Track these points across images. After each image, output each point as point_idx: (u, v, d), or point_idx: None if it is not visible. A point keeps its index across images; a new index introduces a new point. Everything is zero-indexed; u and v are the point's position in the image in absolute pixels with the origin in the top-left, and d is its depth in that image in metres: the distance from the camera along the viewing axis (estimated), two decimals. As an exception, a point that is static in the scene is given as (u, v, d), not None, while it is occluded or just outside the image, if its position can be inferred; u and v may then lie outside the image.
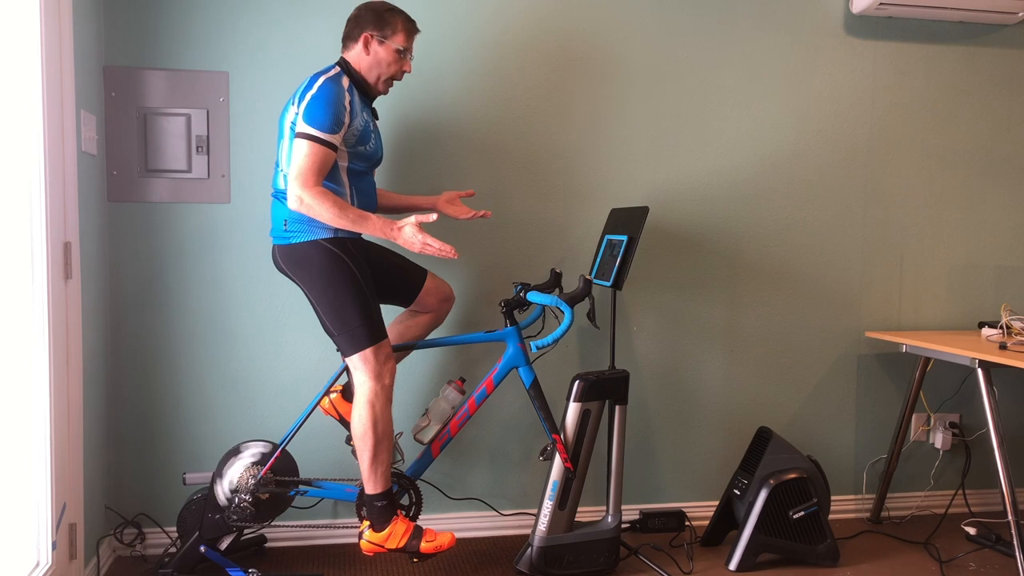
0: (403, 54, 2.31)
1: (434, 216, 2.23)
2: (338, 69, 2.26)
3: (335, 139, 2.16)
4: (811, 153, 3.02)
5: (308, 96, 2.16)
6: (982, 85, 3.13)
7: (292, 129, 2.18)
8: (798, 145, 3.01)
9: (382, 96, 2.40)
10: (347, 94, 2.20)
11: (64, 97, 2.13)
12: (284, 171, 2.24)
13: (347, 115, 2.18)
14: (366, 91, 2.32)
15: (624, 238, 2.48)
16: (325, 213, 2.14)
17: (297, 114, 2.17)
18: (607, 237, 2.65)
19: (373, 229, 2.21)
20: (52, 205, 2.06)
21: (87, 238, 2.38)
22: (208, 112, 2.61)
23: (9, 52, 1.96)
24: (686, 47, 2.91)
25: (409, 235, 2.20)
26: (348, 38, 2.31)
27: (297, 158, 2.14)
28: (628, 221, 2.58)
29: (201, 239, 2.65)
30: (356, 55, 2.29)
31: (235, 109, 2.63)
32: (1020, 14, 2.96)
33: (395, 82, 2.37)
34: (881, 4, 2.86)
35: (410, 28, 2.32)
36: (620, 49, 2.86)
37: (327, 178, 2.22)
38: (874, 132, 3.06)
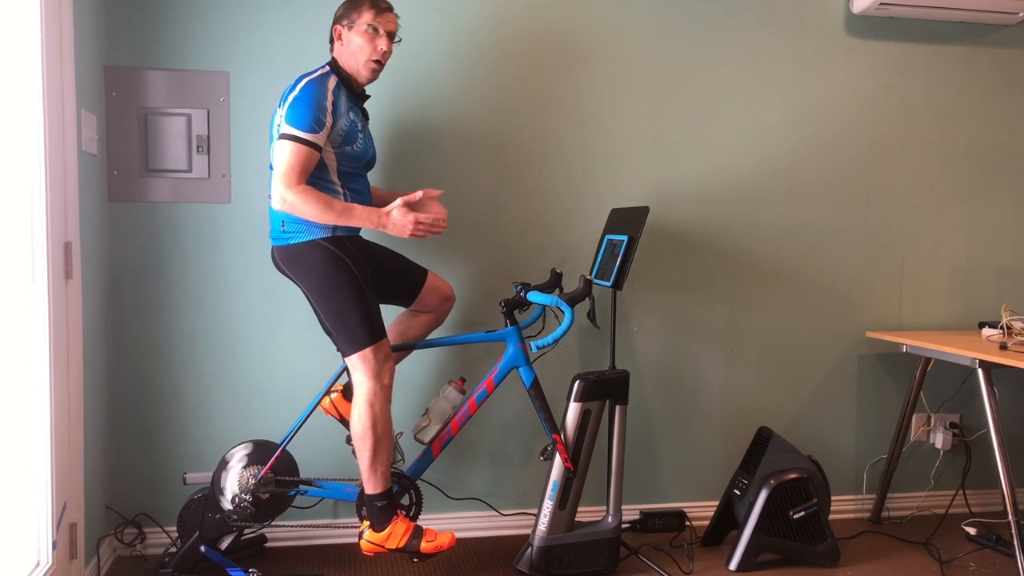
0: (374, 31, 2.25)
1: (419, 194, 2.23)
2: (326, 69, 2.26)
3: (317, 139, 2.16)
4: (812, 153, 3.02)
5: (291, 98, 2.17)
6: (983, 85, 3.12)
7: (279, 130, 2.19)
8: (799, 145, 3.01)
9: (381, 98, 2.38)
10: (330, 95, 2.19)
11: (64, 97, 2.13)
12: None
13: (329, 116, 2.18)
14: (353, 88, 2.31)
15: (624, 238, 2.48)
16: (309, 210, 2.14)
17: (281, 116, 2.18)
18: (607, 237, 2.65)
19: (360, 220, 2.21)
20: (52, 205, 2.06)
21: (87, 238, 2.38)
22: (209, 112, 2.62)
23: (9, 52, 1.96)
24: (687, 47, 2.90)
25: (398, 218, 2.21)
26: (330, 38, 2.33)
27: (280, 159, 2.14)
28: (628, 221, 2.58)
29: (201, 239, 2.65)
30: (337, 52, 2.31)
31: (235, 109, 2.63)
32: (1021, 14, 2.96)
33: (382, 66, 2.29)
34: (882, 4, 2.86)
35: (376, 2, 2.26)
36: (621, 49, 2.86)
37: (321, 180, 2.23)
38: (875, 132, 3.06)
